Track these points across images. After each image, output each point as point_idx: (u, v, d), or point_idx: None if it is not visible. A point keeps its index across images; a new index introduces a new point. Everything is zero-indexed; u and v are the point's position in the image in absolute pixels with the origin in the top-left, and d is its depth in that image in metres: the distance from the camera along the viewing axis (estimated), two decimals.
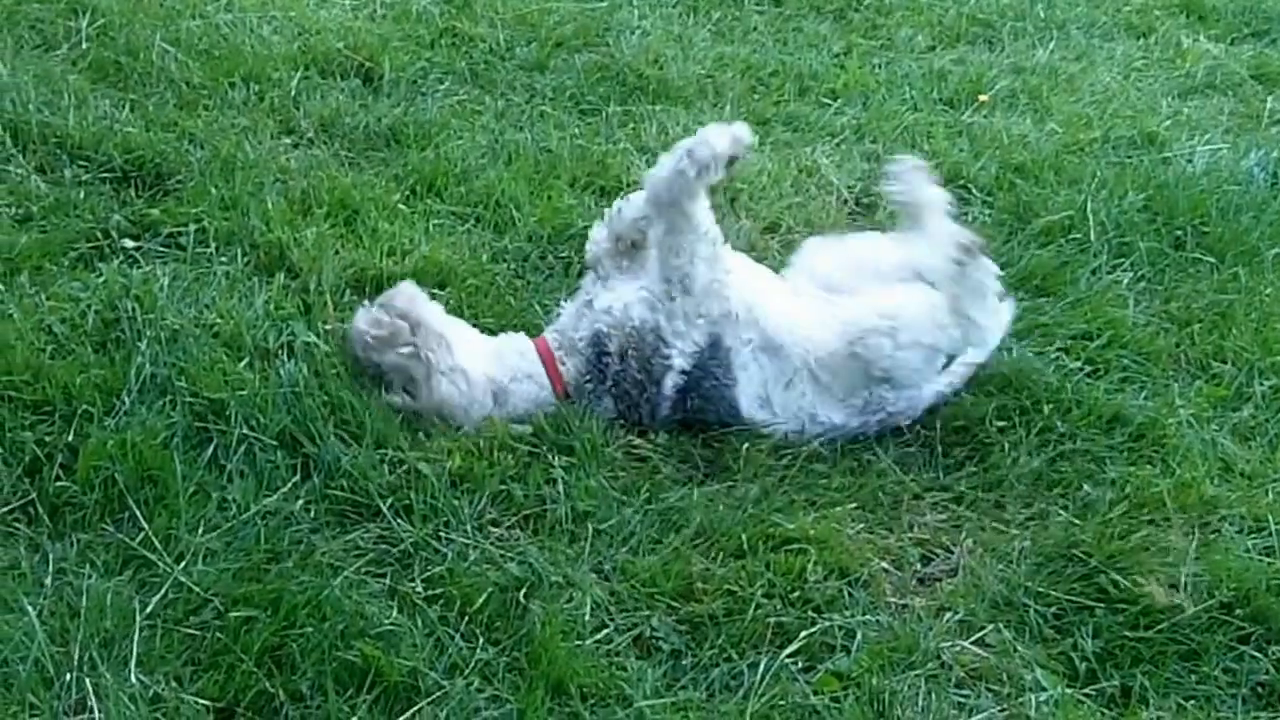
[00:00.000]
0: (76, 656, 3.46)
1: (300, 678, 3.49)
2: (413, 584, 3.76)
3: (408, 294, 4.41)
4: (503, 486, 4.06)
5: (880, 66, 6.55)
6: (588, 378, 4.36)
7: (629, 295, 4.37)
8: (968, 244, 4.31)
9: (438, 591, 3.75)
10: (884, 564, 3.98)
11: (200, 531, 3.81)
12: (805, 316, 4.42)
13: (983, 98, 6.27)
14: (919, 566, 4.01)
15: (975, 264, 4.32)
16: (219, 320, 4.43)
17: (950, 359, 4.50)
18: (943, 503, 4.19)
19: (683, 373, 4.32)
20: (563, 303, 4.60)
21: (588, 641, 3.66)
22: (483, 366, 4.35)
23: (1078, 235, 5.26)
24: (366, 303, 4.45)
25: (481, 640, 3.63)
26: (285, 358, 4.32)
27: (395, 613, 3.67)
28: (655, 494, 4.10)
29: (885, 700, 3.58)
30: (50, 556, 3.73)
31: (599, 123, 5.85)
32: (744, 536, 3.97)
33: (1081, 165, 5.73)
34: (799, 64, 6.44)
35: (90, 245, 4.79)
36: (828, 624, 3.76)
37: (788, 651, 3.68)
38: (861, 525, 4.09)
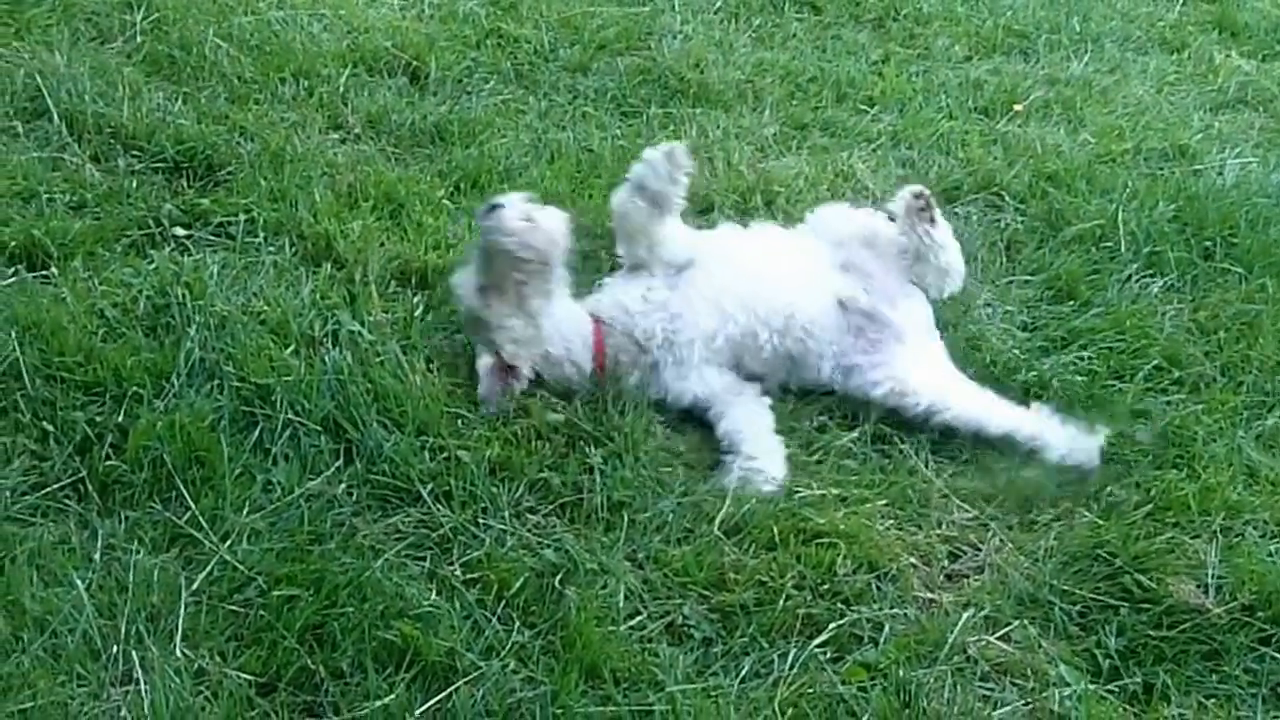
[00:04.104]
0: (124, 630, 3.53)
1: (341, 655, 3.54)
2: (451, 567, 3.82)
3: (548, 234, 4.45)
4: (540, 475, 4.11)
5: (917, 75, 6.56)
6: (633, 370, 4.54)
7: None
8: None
9: (476, 575, 3.79)
10: (912, 559, 4.01)
11: (245, 512, 3.87)
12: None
13: (1017, 107, 6.27)
14: (947, 563, 4.04)
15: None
16: (266, 308, 4.50)
17: None
18: (971, 501, 4.23)
19: None
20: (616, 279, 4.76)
21: (621, 627, 3.70)
22: (551, 337, 4.47)
23: (1109, 244, 5.27)
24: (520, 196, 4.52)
25: (518, 623, 3.68)
26: (330, 346, 4.39)
27: (434, 595, 3.73)
28: (689, 485, 4.16)
29: (911, 691, 3.61)
30: (99, 533, 3.80)
31: (640, 124, 5.89)
32: (775, 529, 4.01)
33: (1113, 175, 5.73)
34: (837, 71, 6.46)
35: (142, 233, 4.86)
36: (856, 616, 3.80)
37: (817, 642, 3.72)
38: (891, 521, 4.12)
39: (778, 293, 4.59)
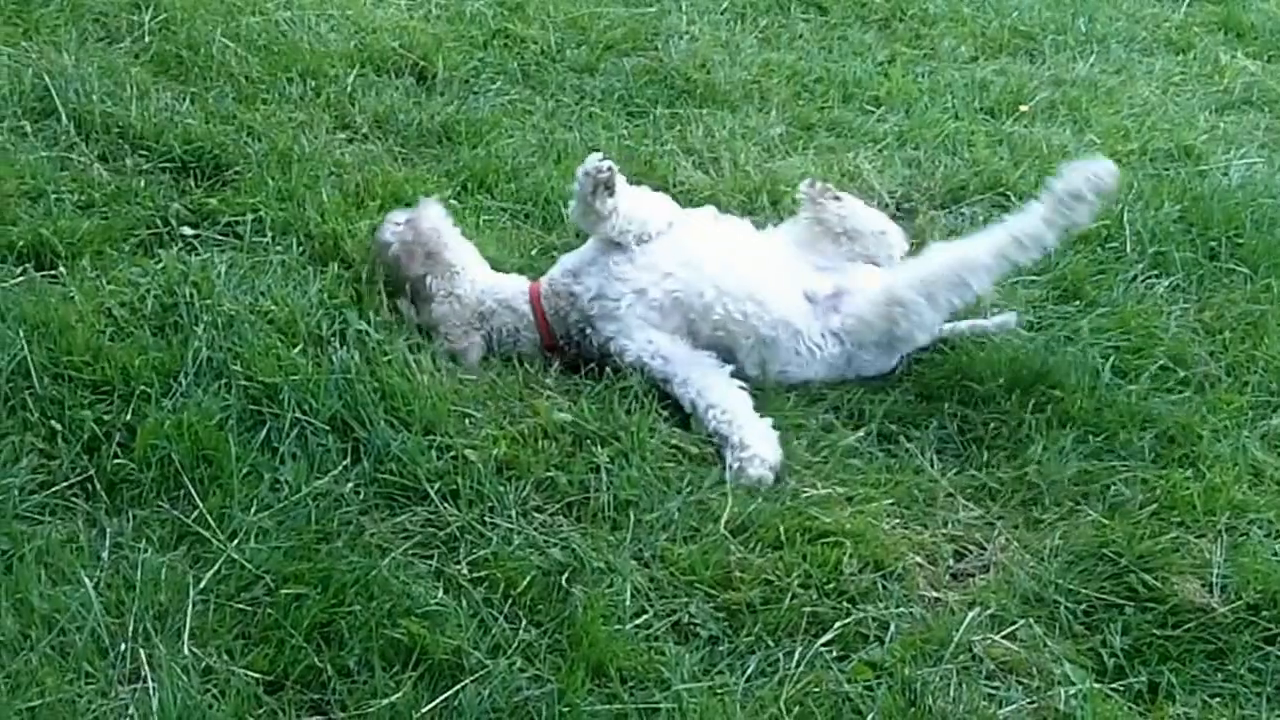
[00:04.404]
0: (131, 628, 3.54)
1: (348, 653, 3.55)
2: (458, 566, 3.83)
3: (431, 220, 4.73)
4: (547, 474, 4.12)
5: (923, 75, 6.58)
6: (572, 339, 4.65)
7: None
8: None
9: (482, 574, 3.80)
10: (918, 558, 4.02)
11: (253, 510, 3.88)
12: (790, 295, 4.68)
13: (1023, 108, 6.29)
14: (952, 562, 4.05)
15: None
16: (274, 307, 4.50)
17: None
18: (977, 500, 4.24)
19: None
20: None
21: (628, 626, 3.71)
22: (477, 298, 4.67)
23: (1114, 244, 5.28)
24: (397, 211, 4.77)
25: (524, 622, 3.69)
26: (338, 345, 4.39)
27: (441, 593, 3.74)
28: (695, 485, 4.16)
29: (917, 690, 3.62)
30: (107, 531, 3.81)
31: (647, 124, 5.91)
32: (781, 528, 4.02)
33: (1119, 176, 5.72)
34: (843, 71, 6.47)
35: (150, 232, 4.87)
36: (862, 615, 3.81)
37: (823, 640, 3.73)
38: (897, 520, 4.13)
39: (740, 268, 4.66)
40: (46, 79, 5.50)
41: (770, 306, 4.59)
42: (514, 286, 4.72)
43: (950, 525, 4.16)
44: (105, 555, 3.74)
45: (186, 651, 3.52)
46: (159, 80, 5.70)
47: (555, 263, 4.81)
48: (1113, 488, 4.27)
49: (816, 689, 3.61)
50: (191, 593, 3.65)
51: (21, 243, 4.71)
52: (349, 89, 5.84)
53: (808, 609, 3.81)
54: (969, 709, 3.61)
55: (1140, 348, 4.78)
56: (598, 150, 5.47)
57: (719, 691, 3.59)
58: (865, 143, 5.95)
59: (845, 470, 4.29)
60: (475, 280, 4.71)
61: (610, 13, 6.68)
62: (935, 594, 3.94)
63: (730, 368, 4.56)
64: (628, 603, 3.78)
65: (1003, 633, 3.82)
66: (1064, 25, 7.16)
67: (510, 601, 3.75)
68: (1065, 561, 4.03)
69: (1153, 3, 7.58)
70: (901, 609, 3.86)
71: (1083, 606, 3.92)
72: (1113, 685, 3.72)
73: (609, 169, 4.57)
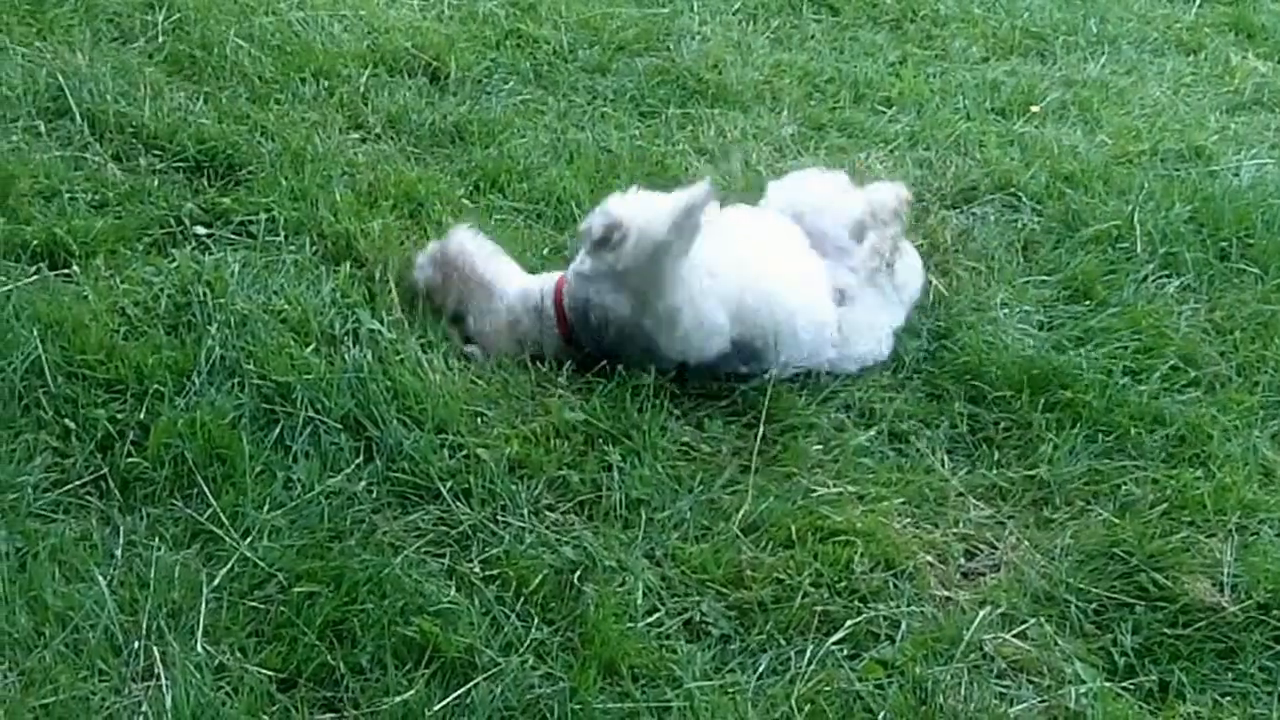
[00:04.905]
0: (145, 625, 3.55)
1: (360, 651, 3.56)
2: (470, 564, 3.83)
3: (458, 242, 4.73)
4: (559, 473, 4.12)
5: (934, 76, 6.56)
6: (589, 316, 4.56)
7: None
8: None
9: (495, 572, 3.81)
10: (929, 557, 4.02)
11: (266, 509, 3.89)
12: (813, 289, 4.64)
13: (1034, 108, 6.28)
14: (963, 561, 4.06)
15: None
16: (287, 306, 4.51)
17: None
18: (987, 499, 4.24)
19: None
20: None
21: (639, 624, 3.71)
22: (508, 308, 4.64)
23: (1125, 244, 5.27)
24: (430, 243, 4.78)
25: (536, 620, 3.70)
26: (350, 344, 4.40)
27: (453, 591, 3.74)
28: (707, 484, 4.17)
29: (928, 688, 3.63)
30: (121, 529, 3.82)
31: (658, 124, 5.90)
32: (793, 527, 4.02)
33: (1130, 176, 5.73)
34: (855, 72, 6.46)
35: (164, 231, 4.87)
36: (873, 613, 3.82)
37: (834, 639, 3.73)
38: (908, 519, 4.14)
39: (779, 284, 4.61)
40: (60, 79, 5.51)
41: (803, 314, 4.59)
42: (541, 286, 4.67)
43: (961, 524, 4.16)
44: (119, 553, 3.75)
45: (200, 649, 3.53)
46: (172, 80, 5.71)
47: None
48: (1123, 487, 4.27)
49: (827, 687, 3.62)
50: (205, 590, 3.66)
51: (35, 242, 4.72)
52: (362, 89, 5.84)
53: (819, 608, 3.82)
54: (980, 708, 3.62)
55: (1151, 347, 4.77)
56: (609, 150, 5.52)
57: (730, 690, 3.60)
58: (876, 143, 5.94)
59: (856, 469, 4.29)
60: (509, 292, 4.66)
61: (622, 13, 6.67)
62: (946, 593, 3.95)
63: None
64: (639, 601, 3.78)
65: (1013, 631, 3.83)
66: (1075, 26, 7.15)
67: (522, 600, 3.76)
68: (1076, 560, 4.04)
69: (1164, 4, 7.56)
70: (912, 608, 3.87)
71: (1093, 605, 3.92)
72: (1123, 684, 3.73)
73: (618, 231, 4.49)
